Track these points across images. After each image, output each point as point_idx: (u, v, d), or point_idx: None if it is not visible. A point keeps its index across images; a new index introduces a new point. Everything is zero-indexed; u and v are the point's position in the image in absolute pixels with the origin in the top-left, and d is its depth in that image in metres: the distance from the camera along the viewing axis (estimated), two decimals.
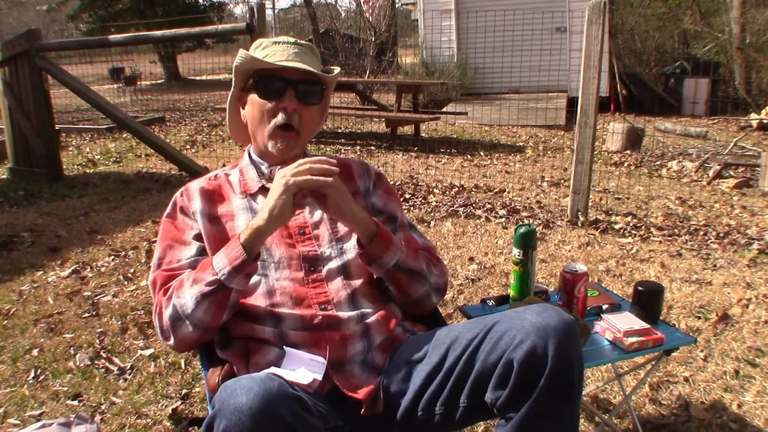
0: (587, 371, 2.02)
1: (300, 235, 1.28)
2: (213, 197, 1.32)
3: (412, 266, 1.27)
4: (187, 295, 1.15)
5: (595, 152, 4.09)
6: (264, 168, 1.35)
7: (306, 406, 0.92)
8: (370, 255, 1.22)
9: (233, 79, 1.34)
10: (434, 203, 4.26)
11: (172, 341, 1.19)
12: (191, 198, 1.31)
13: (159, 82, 17.36)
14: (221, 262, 1.13)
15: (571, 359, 0.99)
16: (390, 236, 1.24)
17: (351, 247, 1.28)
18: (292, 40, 1.32)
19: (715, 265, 3.09)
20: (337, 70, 1.35)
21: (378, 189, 1.41)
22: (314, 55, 1.34)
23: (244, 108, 1.35)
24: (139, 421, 1.88)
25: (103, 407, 1.95)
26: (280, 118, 1.27)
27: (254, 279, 1.21)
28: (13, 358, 2.26)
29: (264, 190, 1.33)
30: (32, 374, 2.14)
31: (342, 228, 1.30)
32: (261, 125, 1.30)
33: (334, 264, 1.26)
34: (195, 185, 1.34)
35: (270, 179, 1.34)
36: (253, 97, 1.30)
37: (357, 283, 1.25)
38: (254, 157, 1.37)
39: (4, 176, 5.32)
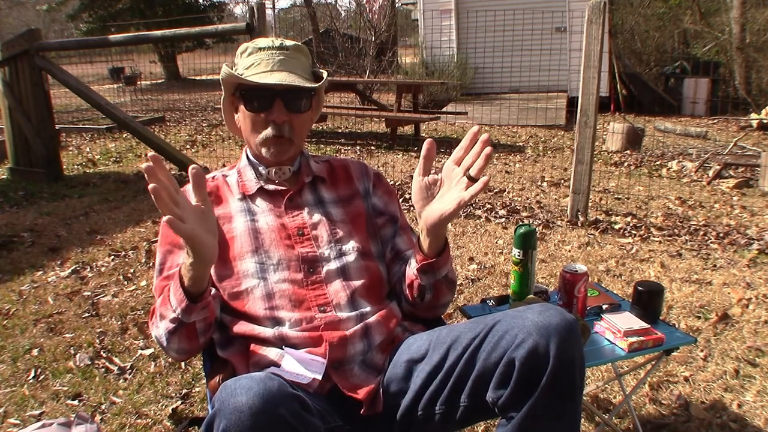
0: (587, 371, 2.02)
1: (299, 236, 1.27)
2: (210, 199, 1.31)
3: (452, 277, 1.28)
4: (161, 328, 1.15)
5: (595, 152, 4.09)
6: (261, 169, 1.34)
7: (306, 405, 0.91)
8: (434, 266, 1.21)
9: (223, 87, 1.32)
10: None
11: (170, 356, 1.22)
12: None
13: (159, 82, 17.37)
14: (174, 301, 1.11)
15: (573, 359, 0.99)
16: (449, 247, 1.24)
17: (350, 249, 1.27)
18: (278, 42, 1.28)
19: (715, 265, 3.09)
20: (324, 74, 1.32)
21: (378, 190, 1.40)
22: (302, 55, 1.31)
23: (237, 112, 1.34)
24: (139, 420, 1.88)
25: (103, 407, 1.95)
26: (270, 130, 1.26)
27: (253, 282, 1.21)
28: (13, 358, 2.26)
29: (262, 192, 1.32)
30: (32, 374, 2.14)
31: (341, 229, 1.29)
32: (253, 134, 1.29)
33: (333, 265, 1.25)
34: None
35: (268, 180, 1.34)
36: (242, 109, 1.29)
37: (356, 284, 1.25)
38: (252, 158, 1.36)
39: (4, 176, 5.31)
